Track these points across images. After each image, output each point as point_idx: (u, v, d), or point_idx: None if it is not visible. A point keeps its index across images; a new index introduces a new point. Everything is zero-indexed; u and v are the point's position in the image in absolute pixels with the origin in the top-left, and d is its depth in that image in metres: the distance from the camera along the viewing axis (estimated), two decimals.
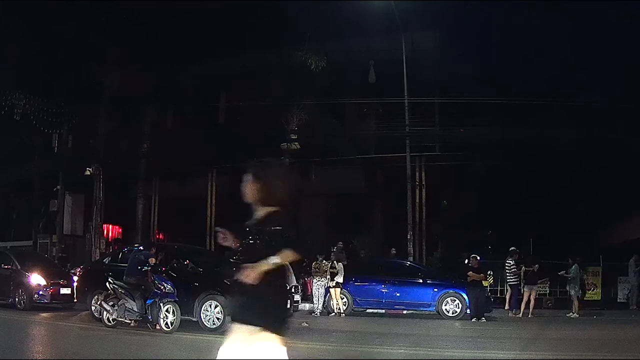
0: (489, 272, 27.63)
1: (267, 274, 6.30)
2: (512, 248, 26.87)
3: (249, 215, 6.86)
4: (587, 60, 31.06)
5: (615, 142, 29.95)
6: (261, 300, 6.34)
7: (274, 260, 6.36)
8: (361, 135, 35.31)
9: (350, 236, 34.54)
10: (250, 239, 6.68)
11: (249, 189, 6.77)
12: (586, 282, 29.97)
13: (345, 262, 27.06)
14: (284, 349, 6.52)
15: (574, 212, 34.38)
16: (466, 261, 25.27)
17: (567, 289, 26.85)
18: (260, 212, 6.70)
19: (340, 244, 29.26)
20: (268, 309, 6.41)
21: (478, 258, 24.84)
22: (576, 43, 30.77)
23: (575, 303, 25.98)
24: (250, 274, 6.30)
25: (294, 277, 24.89)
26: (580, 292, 26.64)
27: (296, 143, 33.05)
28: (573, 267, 26.40)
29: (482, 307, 23.70)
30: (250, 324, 6.41)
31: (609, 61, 30.35)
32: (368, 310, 26.06)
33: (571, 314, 25.62)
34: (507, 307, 26.81)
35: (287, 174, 7.02)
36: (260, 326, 6.37)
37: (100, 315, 18.01)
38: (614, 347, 16.42)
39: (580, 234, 33.61)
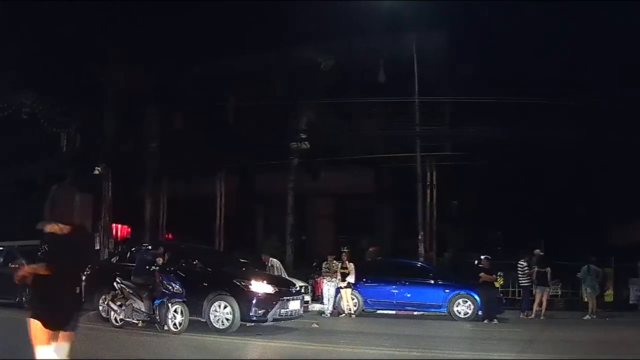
0: (499, 272, 27.32)
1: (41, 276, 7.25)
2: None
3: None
4: (608, 58, 30.86)
5: (627, 142, 29.66)
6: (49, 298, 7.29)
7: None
8: (371, 135, 35.03)
9: (359, 236, 34.40)
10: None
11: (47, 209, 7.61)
12: (607, 283, 29.81)
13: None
14: (66, 345, 7.46)
15: (585, 212, 34.15)
16: (475, 262, 25.06)
17: (581, 290, 26.64)
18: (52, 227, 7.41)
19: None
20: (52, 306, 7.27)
21: (489, 259, 24.64)
22: (591, 40, 30.63)
23: (590, 304, 25.79)
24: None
25: (285, 274, 24.89)
26: (593, 292, 26.35)
27: (305, 143, 32.90)
28: (583, 267, 26.22)
29: (493, 308, 23.49)
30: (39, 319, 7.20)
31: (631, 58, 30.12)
32: (378, 311, 25.82)
33: (587, 316, 25.35)
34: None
35: (73, 198, 7.78)
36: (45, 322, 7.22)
37: (107, 315, 17.81)
38: (624, 349, 16.30)
39: (591, 235, 33.27)
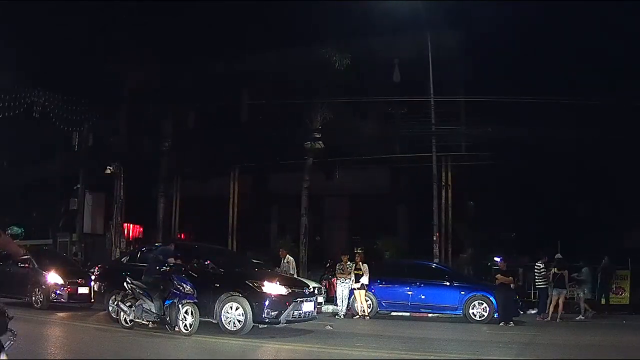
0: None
1: None
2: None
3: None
4: (608, 59, 30.60)
5: None
6: None
7: None
8: (386, 134, 34.78)
9: (374, 237, 34.16)
10: None
11: None
12: (614, 285, 29.63)
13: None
14: None
15: (601, 214, 33.85)
16: (488, 264, 24.88)
17: (577, 291, 26.33)
18: None
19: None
20: None
21: (505, 260, 24.45)
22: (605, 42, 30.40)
23: (583, 305, 25.87)
24: None
25: (294, 272, 24.83)
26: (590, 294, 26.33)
27: (320, 142, 32.74)
28: (584, 269, 26.11)
29: (510, 310, 23.20)
30: None
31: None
32: (393, 313, 25.62)
33: (580, 316, 25.42)
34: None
35: None
36: None
37: (117, 315, 17.65)
38: None
39: (608, 237, 32.92)
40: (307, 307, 17.99)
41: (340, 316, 24.15)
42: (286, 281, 18.50)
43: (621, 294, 30.24)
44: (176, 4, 32.13)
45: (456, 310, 24.20)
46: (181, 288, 16.06)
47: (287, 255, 25.75)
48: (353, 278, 24.07)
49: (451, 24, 32.06)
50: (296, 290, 17.96)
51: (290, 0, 31.50)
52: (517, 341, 17.91)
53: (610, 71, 30.75)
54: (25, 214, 43.86)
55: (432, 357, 14.54)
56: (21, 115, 30.40)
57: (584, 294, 25.97)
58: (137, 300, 16.63)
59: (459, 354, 15.33)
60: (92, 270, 26.23)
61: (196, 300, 16.22)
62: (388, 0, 29.73)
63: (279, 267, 25.62)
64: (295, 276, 24.37)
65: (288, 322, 17.46)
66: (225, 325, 16.73)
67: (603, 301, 28.92)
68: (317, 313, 19.74)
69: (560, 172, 32.86)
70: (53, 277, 23.18)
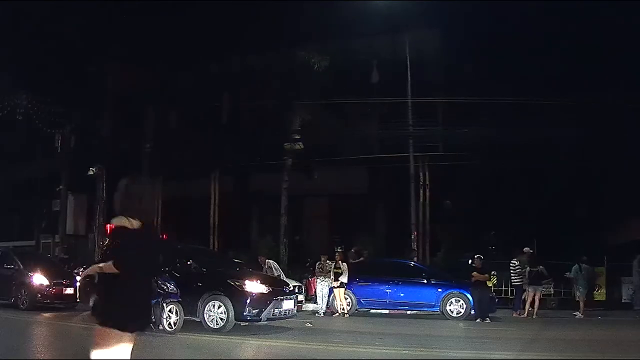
0: (492, 272, 27.52)
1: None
2: (526, 248, 26.79)
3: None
4: (587, 58, 30.92)
5: (619, 141, 29.79)
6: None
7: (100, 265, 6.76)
8: (364, 135, 35.08)
9: (353, 236, 34.41)
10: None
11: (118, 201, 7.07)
12: (596, 282, 30.06)
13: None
14: (130, 346, 6.80)
15: (578, 212, 34.19)
16: (470, 261, 25.17)
17: (574, 289, 26.73)
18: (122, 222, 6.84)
19: None
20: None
21: (482, 258, 24.78)
22: (578, 41, 30.71)
23: (581, 303, 26.04)
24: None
25: (283, 275, 25.03)
26: (584, 291, 26.62)
27: (299, 143, 32.96)
28: (574, 267, 26.50)
29: (486, 307, 23.56)
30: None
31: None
32: (372, 311, 25.91)
33: (577, 314, 25.61)
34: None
35: (148, 193, 7.36)
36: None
37: None
38: (617, 348, 16.40)
39: (584, 235, 33.31)
40: (287, 305, 18.39)
41: (320, 314, 24.46)
42: (267, 280, 18.91)
43: (597, 291, 30.68)
44: (155, 6, 32.22)
45: (433, 307, 24.50)
46: (165, 287, 16.31)
47: (267, 260, 25.85)
48: (332, 277, 24.48)
49: (428, 25, 32.29)
50: (276, 288, 18.37)
51: (269, 1, 31.71)
52: (492, 337, 18.32)
53: (587, 68, 31.00)
54: (7, 215, 43.90)
55: (407, 352, 14.96)
56: (4, 116, 30.48)
57: (580, 292, 26.33)
58: None
59: (436, 350, 15.56)
60: (75, 271, 26.42)
61: (180, 299, 16.54)
62: (367, 0, 30.06)
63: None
64: (282, 277, 24.61)
65: (269, 319, 17.83)
66: (208, 323, 17.11)
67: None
68: (297, 311, 20.16)
69: (538, 171, 33.22)
70: (38, 278, 23.28)
